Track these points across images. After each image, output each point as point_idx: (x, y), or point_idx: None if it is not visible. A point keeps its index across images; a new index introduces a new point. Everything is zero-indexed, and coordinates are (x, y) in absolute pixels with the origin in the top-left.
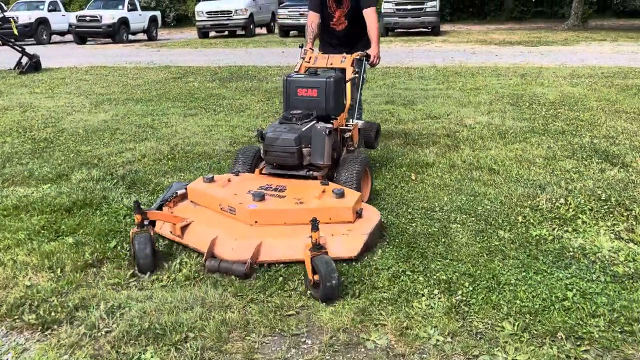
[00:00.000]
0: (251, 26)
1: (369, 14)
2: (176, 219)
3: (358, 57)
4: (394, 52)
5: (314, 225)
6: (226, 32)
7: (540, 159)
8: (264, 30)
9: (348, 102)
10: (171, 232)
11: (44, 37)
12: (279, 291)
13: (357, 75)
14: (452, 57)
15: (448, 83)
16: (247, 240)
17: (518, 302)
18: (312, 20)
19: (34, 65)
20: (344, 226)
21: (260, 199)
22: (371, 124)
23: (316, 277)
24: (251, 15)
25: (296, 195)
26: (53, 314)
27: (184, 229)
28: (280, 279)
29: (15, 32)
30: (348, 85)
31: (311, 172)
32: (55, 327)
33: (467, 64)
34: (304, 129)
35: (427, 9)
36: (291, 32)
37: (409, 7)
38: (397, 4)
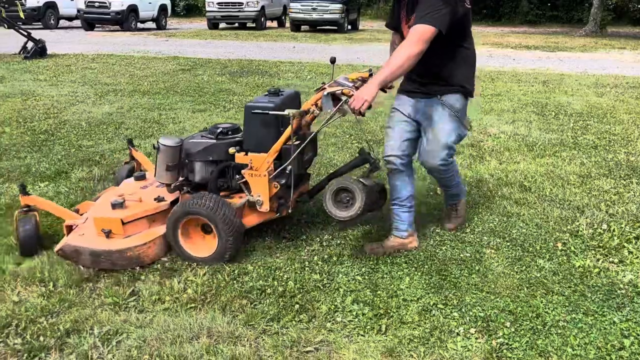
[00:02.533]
0: (262, 19)
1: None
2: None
3: (336, 92)
4: None
5: (23, 189)
6: (236, 24)
7: (574, 177)
8: (274, 24)
9: (279, 144)
10: None
11: (52, 21)
12: (294, 321)
13: (308, 114)
14: None
15: None
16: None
17: (569, 349)
18: (392, 40)
19: (39, 51)
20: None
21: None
22: (373, 185)
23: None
24: (262, 7)
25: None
26: (42, 338)
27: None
28: (297, 306)
29: (22, 15)
30: (300, 124)
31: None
32: (43, 355)
33: (485, 67)
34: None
35: None
36: (302, 26)
37: None
38: None
